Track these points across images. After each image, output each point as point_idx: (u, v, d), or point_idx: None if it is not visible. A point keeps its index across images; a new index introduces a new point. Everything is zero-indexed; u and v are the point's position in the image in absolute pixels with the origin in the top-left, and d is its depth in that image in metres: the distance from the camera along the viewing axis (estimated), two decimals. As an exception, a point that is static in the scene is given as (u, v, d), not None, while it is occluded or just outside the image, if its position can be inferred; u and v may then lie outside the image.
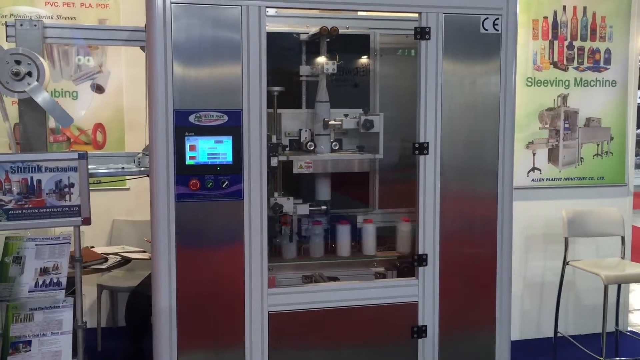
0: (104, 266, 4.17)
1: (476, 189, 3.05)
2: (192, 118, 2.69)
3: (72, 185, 2.74)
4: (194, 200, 2.72)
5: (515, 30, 3.00)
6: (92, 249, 4.47)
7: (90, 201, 2.79)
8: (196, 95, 2.69)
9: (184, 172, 2.70)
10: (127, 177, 4.71)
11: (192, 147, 2.69)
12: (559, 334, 4.53)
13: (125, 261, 4.33)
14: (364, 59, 3.47)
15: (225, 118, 2.71)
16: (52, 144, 5.13)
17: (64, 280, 2.73)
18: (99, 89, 5.19)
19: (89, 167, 2.87)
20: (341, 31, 3.14)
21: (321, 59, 3.15)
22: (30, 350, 2.69)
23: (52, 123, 5.10)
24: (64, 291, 2.72)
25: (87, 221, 2.77)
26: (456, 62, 2.98)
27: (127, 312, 4.60)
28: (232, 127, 2.73)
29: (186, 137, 2.69)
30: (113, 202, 5.17)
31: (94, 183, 4.99)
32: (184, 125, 2.68)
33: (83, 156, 2.75)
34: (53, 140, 5.16)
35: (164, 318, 2.71)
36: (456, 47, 2.96)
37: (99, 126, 5.20)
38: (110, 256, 4.34)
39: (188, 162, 2.70)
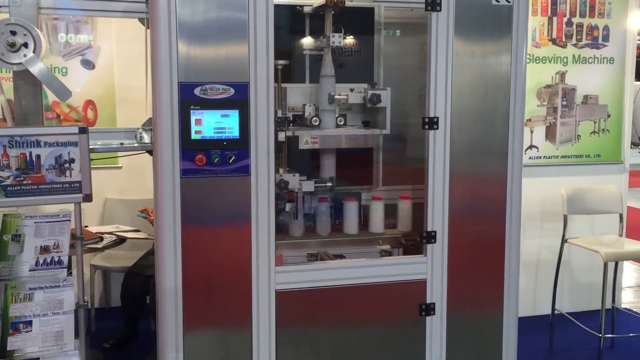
0: (99, 245, 4.10)
1: (486, 166, 3.01)
2: (197, 91, 2.60)
3: (72, 160, 2.64)
4: (200, 176, 2.64)
5: (526, 1, 2.94)
6: (86, 228, 4.38)
7: (91, 177, 2.70)
8: (202, 67, 2.60)
9: (190, 147, 2.61)
10: (119, 155, 4.61)
11: (198, 121, 2.60)
12: (556, 312, 4.54)
13: (120, 240, 4.25)
14: (368, 34, 3.39)
15: (232, 91, 2.63)
16: (41, 121, 5.03)
17: (65, 259, 2.65)
18: (88, 64, 5.07)
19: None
20: (345, 4, 3.05)
21: (327, 32, 3.06)
22: (31, 331, 2.61)
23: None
24: (65, 270, 2.63)
25: (88, 198, 2.68)
26: (467, 35, 2.91)
27: (122, 292, 4.54)
28: (239, 100, 2.64)
29: (191, 111, 2.60)
30: (105, 181, 5.07)
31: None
32: (189, 99, 2.59)
33: (84, 130, 2.66)
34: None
35: (169, 297, 2.65)
36: (467, 20, 2.89)
37: (89, 103, 5.10)
38: (105, 235, 4.26)
39: (194, 136, 2.61)
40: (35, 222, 2.70)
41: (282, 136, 2.77)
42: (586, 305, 5.04)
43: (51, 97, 4.99)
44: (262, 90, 2.66)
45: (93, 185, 5.08)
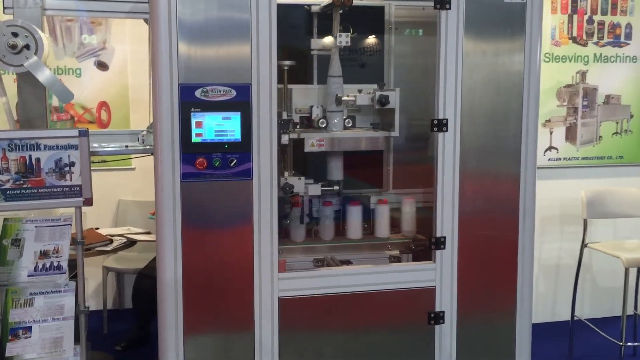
0: (108, 248, 4.07)
1: (498, 168, 2.91)
2: (198, 93, 2.54)
3: (72, 164, 2.60)
4: (201, 179, 2.58)
5: (541, -1, 2.84)
6: (96, 230, 4.36)
7: (91, 181, 2.66)
8: (203, 68, 2.54)
9: (190, 150, 2.56)
10: (133, 157, 4.59)
11: (199, 124, 2.55)
12: (575, 318, 4.41)
13: (130, 243, 4.22)
14: (378, 33, 3.30)
15: (234, 93, 2.57)
16: (55, 123, 5.04)
17: (64, 264, 2.60)
18: (102, 66, 5.06)
19: (92, 145, 2.74)
20: (354, 3, 2.97)
21: (334, 32, 2.99)
22: (30, 337, 2.57)
23: (55, 101, 5.00)
24: (64, 275, 2.59)
25: (88, 202, 2.64)
26: (478, 34, 2.81)
27: (134, 295, 4.52)
28: (241, 102, 2.58)
29: (192, 113, 2.54)
30: (118, 182, 5.07)
31: (98, 162, 4.93)
32: (190, 101, 2.53)
33: (84, 133, 2.61)
34: (57, 119, 5.06)
35: (170, 302, 2.59)
36: (478, 18, 2.79)
37: (103, 104, 5.10)
38: (115, 238, 4.24)
39: (194, 139, 2.55)
40: (36, 227, 2.66)
41: (285, 139, 2.70)
42: (607, 312, 4.90)
43: (65, 98, 5.00)
44: (265, 91, 2.60)
45: (106, 186, 5.14)
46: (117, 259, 4.85)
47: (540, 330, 4.72)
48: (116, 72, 5.06)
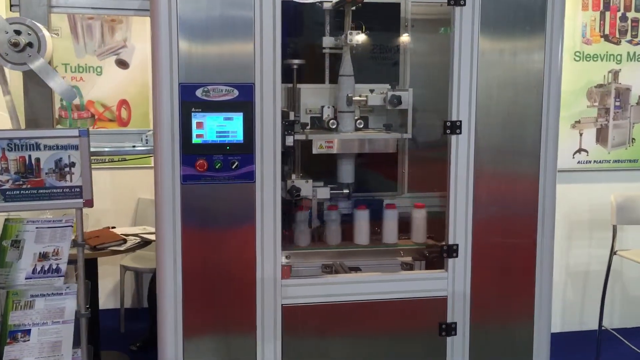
0: (122, 248, 4.03)
1: (515, 172, 2.76)
2: (199, 92, 2.46)
3: (72, 164, 2.54)
4: (201, 182, 2.50)
5: (562, -6, 2.68)
6: (112, 230, 4.33)
7: (92, 182, 2.60)
8: (204, 67, 2.45)
9: (191, 152, 2.47)
10: (150, 155, 4.57)
11: (199, 125, 2.46)
12: (602, 328, 4.23)
13: (144, 243, 4.17)
14: (393, 31, 3.19)
15: (236, 93, 2.48)
16: (75, 121, 5.07)
17: (63, 267, 2.55)
18: (123, 64, 5.05)
19: (96, 145, 2.68)
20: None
21: (346, 30, 2.88)
22: (29, 340, 2.53)
23: (76, 99, 5.00)
24: (62, 279, 2.54)
25: (88, 203, 2.58)
26: (494, 32, 2.67)
27: (149, 294, 4.49)
28: (243, 102, 2.49)
29: (193, 114, 2.46)
30: (138, 181, 5.05)
31: (119, 161, 4.91)
32: (191, 101, 2.45)
33: (84, 133, 2.55)
34: (77, 116, 5.09)
35: (169, 304, 2.52)
36: (495, 14, 2.65)
37: (123, 102, 5.11)
38: (130, 237, 4.20)
39: (195, 140, 2.47)
40: (36, 228, 2.62)
41: (290, 140, 2.60)
42: (638, 322, 4.70)
43: (86, 96, 5.01)
44: (269, 91, 2.50)
45: (127, 185, 5.13)
46: (135, 257, 4.83)
47: (567, 340, 4.56)
48: (137, 70, 5.04)
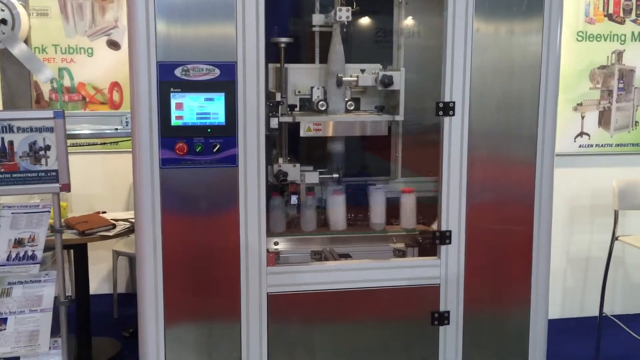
0: (111, 233, 3.93)
1: (511, 156, 2.64)
2: (178, 72, 2.34)
3: (48, 147, 2.44)
4: (181, 166, 2.39)
5: (562, -31, 2.55)
6: (102, 215, 4.24)
7: (69, 165, 2.49)
8: (183, 45, 2.33)
9: (170, 134, 2.36)
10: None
11: (179, 106, 2.35)
12: (603, 314, 4.14)
13: (134, 228, 4.08)
14: (386, 9, 3.06)
15: (217, 72, 2.36)
16: (66, 103, 4.96)
17: (39, 254, 2.46)
18: (114, 44, 4.93)
19: (77, 127, 2.58)
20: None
21: (335, 6, 2.76)
22: (5, 330, 2.44)
23: (67, 81, 4.90)
24: (38, 266, 2.44)
25: (65, 187, 2.48)
26: (490, 10, 2.54)
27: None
28: (225, 82, 2.37)
29: (172, 94, 2.34)
30: (130, 165, 4.94)
31: (110, 144, 4.81)
32: (169, 80, 2.33)
33: (59, 115, 2.45)
34: (68, 99, 4.97)
35: (149, 291, 2.45)
36: (490, -9, 2.54)
37: (115, 85, 5.00)
38: (120, 222, 4.10)
39: (174, 122, 2.36)
40: (12, 213, 2.52)
41: (274, 122, 2.49)
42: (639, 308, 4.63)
43: (77, 78, 4.90)
44: (252, 70, 2.38)
45: (118, 169, 5.03)
46: (127, 242, 4.74)
47: (567, 326, 4.48)
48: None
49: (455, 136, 2.57)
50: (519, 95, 2.61)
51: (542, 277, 2.71)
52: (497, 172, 2.64)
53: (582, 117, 4.44)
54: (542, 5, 2.56)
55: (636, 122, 4.51)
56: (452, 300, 2.66)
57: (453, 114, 2.55)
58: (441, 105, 2.55)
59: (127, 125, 2.65)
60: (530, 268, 2.70)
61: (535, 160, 2.65)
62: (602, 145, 4.50)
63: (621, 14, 4.39)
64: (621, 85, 4.45)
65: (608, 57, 4.40)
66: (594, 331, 4.19)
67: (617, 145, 4.51)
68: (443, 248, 2.63)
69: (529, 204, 2.68)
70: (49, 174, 2.48)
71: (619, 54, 4.42)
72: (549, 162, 2.66)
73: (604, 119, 4.47)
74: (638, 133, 4.51)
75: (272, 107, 2.49)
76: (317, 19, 2.89)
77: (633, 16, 4.41)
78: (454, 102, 2.55)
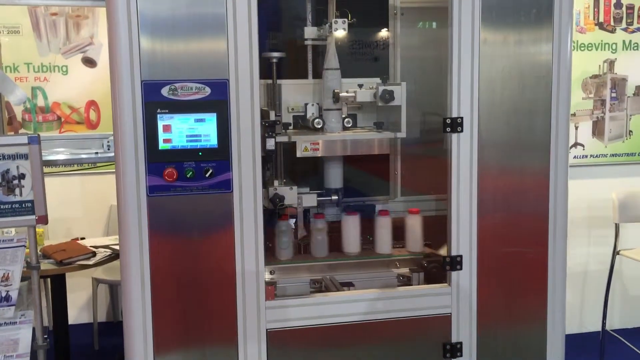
0: (91, 262, 3.72)
1: (523, 170, 2.50)
2: (165, 91, 2.15)
3: (22, 176, 2.22)
4: (171, 193, 2.19)
5: (571, -26, 2.43)
6: (80, 241, 4.02)
7: (45, 195, 2.28)
8: (170, 63, 2.15)
9: (157, 159, 2.17)
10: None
11: (166, 128, 2.16)
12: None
13: (115, 255, 3.86)
14: (382, 20, 2.91)
15: (208, 90, 2.18)
16: (41, 124, 4.77)
17: (14, 294, 2.23)
18: (89, 62, 4.73)
19: (54, 151, 2.37)
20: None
21: (330, 18, 2.60)
22: (-23, 379, 2.21)
23: (40, 101, 4.69)
24: (13, 308, 2.21)
25: (42, 220, 2.26)
26: (497, 20, 2.41)
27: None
28: (217, 101, 2.19)
29: (158, 115, 2.15)
30: (110, 187, 4.70)
31: (89, 167, 4.58)
32: (156, 100, 2.14)
33: (35, 140, 2.24)
34: (42, 119, 4.77)
35: (137, 319, 2.25)
36: (497, 1, 2.40)
37: (92, 104, 4.83)
38: (100, 249, 3.88)
39: (162, 146, 2.17)
40: (-17, 249, 2.30)
41: (271, 143, 2.30)
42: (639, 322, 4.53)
43: (51, 97, 4.70)
44: (245, 88, 2.20)
45: (97, 191, 4.80)
46: (107, 269, 4.52)
47: (568, 343, 4.32)
48: (105, 69, 4.66)
49: (464, 154, 2.41)
50: (531, 108, 2.47)
51: (558, 302, 2.57)
52: (508, 189, 2.49)
53: (576, 128, 4.40)
54: (551, 13, 2.43)
55: (630, 131, 4.47)
56: (465, 330, 2.49)
57: (462, 130, 2.39)
58: (448, 121, 2.39)
59: (108, 149, 2.44)
60: (546, 293, 2.54)
61: (549, 172, 2.51)
62: (596, 156, 4.45)
63: (612, 23, 4.37)
64: (614, 95, 4.43)
65: (600, 66, 4.37)
66: (595, 347, 4.08)
67: (612, 155, 4.48)
68: (454, 274, 2.46)
69: (543, 216, 2.54)
70: (23, 205, 2.26)
71: (611, 63, 4.39)
72: (562, 174, 2.54)
73: (597, 129, 4.43)
74: (632, 142, 4.48)
75: (268, 127, 2.30)
76: (310, 32, 2.74)
77: (624, 25, 4.37)
78: (462, 118, 2.39)
